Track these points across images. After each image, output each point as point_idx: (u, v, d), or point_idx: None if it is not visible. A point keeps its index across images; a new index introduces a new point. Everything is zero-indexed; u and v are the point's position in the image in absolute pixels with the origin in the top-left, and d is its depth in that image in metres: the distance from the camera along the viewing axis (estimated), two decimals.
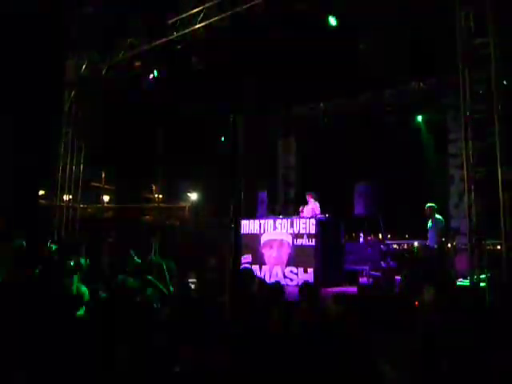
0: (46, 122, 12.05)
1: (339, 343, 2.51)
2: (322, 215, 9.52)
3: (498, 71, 6.06)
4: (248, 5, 8.18)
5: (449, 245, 9.90)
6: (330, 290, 8.01)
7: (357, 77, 9.54)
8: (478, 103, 6.27)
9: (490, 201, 5.99)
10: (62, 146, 11.66)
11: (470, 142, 6.09)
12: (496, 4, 6.23)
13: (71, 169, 11.69)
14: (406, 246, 12.65)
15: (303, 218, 9.53)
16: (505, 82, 7.93)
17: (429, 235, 8.62)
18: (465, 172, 6.08)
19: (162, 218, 18.32)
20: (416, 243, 11.98)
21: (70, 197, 11.83)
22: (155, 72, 10.30)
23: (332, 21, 8.22)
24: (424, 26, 8.30)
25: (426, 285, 3.58)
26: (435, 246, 8.39)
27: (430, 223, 8.54)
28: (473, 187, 6.12)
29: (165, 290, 4.21)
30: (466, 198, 6.12)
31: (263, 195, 12.00)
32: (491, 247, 7.60)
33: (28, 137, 12.62)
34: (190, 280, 6.63)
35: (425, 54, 9.06)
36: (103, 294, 3.72)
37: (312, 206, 9.77)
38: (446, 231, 9.31)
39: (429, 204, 8.61)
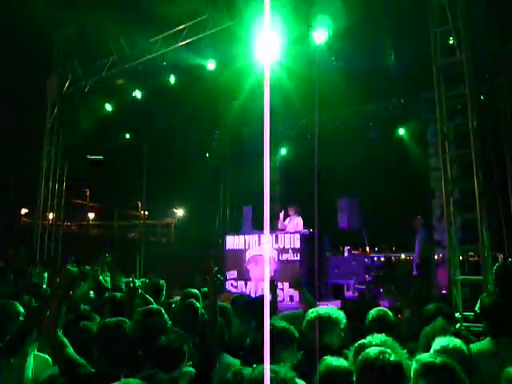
0: (29, 139, 11.98)
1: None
2: (307, 230, 9.57)
3: (472, 87, 6.23)
4: (229, 24, 8.29)
5: (436, 256, 10.01)
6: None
7: (339, 93, 9.70)
8: (456, 118, 6.43)
9: (469, 213, 6.09)
10: (45, 163, 11.56)
11: (448, 157, 6.23)
12: (469, 21, 6.44)
13: (54, 187, 11.58)
14: (392, 259, 12.74)
15: (288, 232, 9.56)
16: (482, 97, 8.16)
17: (416, 248, 8.76)
18: (442, 186, 6.19)
19: (148, 234, 18.19)
20: (403, 255, 12.10)
21: (54, 215, 11.72)
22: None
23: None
24: (403, 41, 8.53)
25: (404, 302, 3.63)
26: (417, 259, 8.49)
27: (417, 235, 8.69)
28: (452, 200, 6.23)
29: None
30: (445, 211, 6.22)
31: (248, 211, 12.03)
32: (476, 258, 7.71)
33: (10, 154, 12.54)
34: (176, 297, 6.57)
35: (404, 71, 9.29)
36: None
37: (295, 221, 9.81)
38: (431, 243, 9.43)
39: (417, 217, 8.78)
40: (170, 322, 3.31)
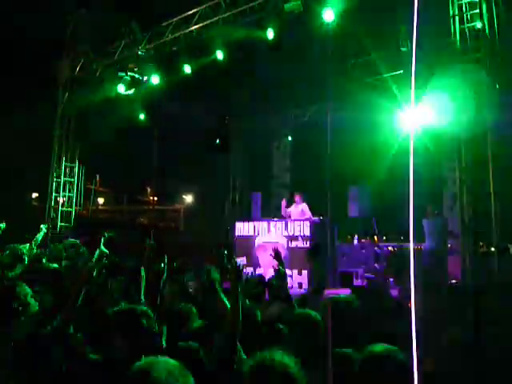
0: (40, 123, 12.01)
1: None
2: (316, 217, 9.53)
3: (491, 73, 6.13)
4: (243, 7, 8.20)
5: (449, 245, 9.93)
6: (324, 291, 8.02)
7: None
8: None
9: (483, 203, 6.04)
10: (56, 147, 11.61)
11: (462, 145, 6.15)
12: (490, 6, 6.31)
13: (65, 171, 11.65)
14: (403, 248, 12.63)
15: (297, 220, 9.54)
16: (497, 86, 8.01)
17: (426, 237, 8.68)
18: (456, 174, 6.13)
19: (157, 220, 18.28)
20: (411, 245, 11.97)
21: (64, 199, 11.80)
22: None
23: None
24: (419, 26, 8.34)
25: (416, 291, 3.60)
26: (434, 249, 8.42)
27: (426, 224, 8.59)
28: (465, 189, 6.17)
29: None
30: (458, 201, 6.17)
31: (257, 197, 12.01)
32: (484, 249, 7.66)
33: (21, 138, 12.59)
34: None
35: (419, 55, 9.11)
36: None
37: (301, 207, 9.77)
38: (442, 232, 9.34)
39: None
40: None
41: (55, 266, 4.36)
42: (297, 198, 9.89)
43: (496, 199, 5.88)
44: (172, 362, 1.63)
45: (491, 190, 5.86)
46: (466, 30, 6.39)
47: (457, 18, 6.38)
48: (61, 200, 11.78)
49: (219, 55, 9.23)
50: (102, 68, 10.83)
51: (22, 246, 5.09)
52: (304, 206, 9.73)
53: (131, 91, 10.65)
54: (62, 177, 11.64)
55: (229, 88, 12.17)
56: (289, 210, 9.92)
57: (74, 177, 11.83)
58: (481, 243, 7.32)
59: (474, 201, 6.21)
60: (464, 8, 6.36)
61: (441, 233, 8.46)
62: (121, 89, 10.66)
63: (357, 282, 9.75)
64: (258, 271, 9.59)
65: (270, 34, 8.23)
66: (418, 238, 9.54)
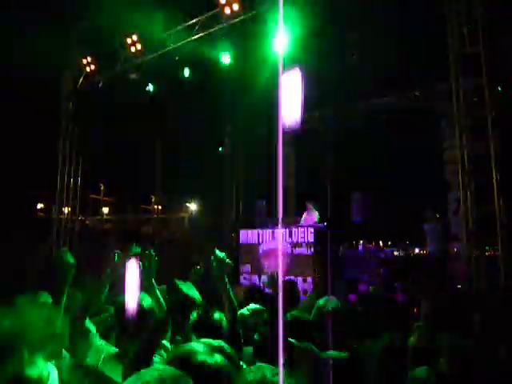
0: (44, 134, 12.08)
1: None
2: (321, 224, 9.53)
3: (490, 78, 6.12)
4: (242, 17, 8.26)
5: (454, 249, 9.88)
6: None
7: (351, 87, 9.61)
8: (473, 110, 6.33)
9: (487, 207, 6.01)
10: (60, 158, 11.67)
11: (465, 150, 6.13)
12: (487, 11, 6.31)
13: (69, 181, 11.70)
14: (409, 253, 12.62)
15: (302, 226, 9.53)
16: (499, 88, 8.00)
17: (428, 241, 8.65)
18: (459, 179, 6.11)
19: (161, 229, 18.29)
20: (416, 250, 12.01)
21: (69, 209, 11.85)
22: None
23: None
24: (417, 33, 8.39)
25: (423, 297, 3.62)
26: (435, 253, 8.40)
27: (426, 229, 8.56)
28: (469, 193, 6.14)
29: None
30: (462, 205, 6.15)
31: (261, 205, 12.03)
32: (490, 253, 7.60)
33: (26, 150, 12.66)
34: None
35: (419, 63, 9.16)
36: None
37: (311, 215, 9.79)
38: (446, 236, 9.29)
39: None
40: None
41: None
42: (308, 206, 9.95)
43: (500, 202, 5.85)
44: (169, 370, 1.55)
45: (495, 194, 5.83)
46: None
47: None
48: (65, 210, 11.83)
49: (224, 60, 9.33)
50: (103, 80, 10.91)
51: None
52: (314, 214, 9.77)
53: (133, 100, 10.73)
54: (65, 187, 11.69)
55: (232, 95, 12.20)
56: (302, 218, 9.99)
57: (78, 187, 11.87)
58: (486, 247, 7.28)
59: (478, 204, 6.18)
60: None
61: (440, 237, 8.44)
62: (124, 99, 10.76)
63: (362, 288, 9.70)
64: (263, 278, 9.59)
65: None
66: (423, 242, 9.54)
